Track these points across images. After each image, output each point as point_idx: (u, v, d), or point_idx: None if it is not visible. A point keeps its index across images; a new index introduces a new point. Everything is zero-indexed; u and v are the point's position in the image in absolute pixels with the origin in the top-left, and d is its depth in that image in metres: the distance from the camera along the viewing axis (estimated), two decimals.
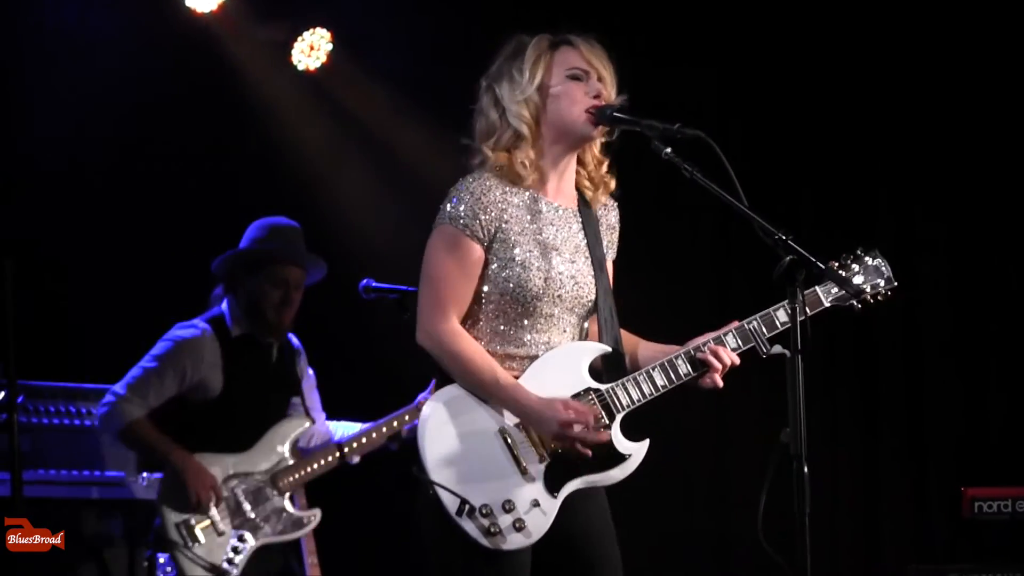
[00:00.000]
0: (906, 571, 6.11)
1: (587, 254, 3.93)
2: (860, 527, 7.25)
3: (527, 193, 3.87)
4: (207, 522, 5.36)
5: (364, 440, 5.62)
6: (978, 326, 7.19)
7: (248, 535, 5.40)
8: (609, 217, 4.05)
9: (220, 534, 5.38)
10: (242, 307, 5.59)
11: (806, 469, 3.35)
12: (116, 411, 5.41)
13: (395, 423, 5.60)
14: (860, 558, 7.22)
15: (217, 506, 5.36)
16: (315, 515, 5.58)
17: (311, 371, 5.84)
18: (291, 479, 5.53)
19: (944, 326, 7.24)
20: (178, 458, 5.37)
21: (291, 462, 5.56)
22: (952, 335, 7.23)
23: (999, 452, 7.03)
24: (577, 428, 3.72)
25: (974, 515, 6.02)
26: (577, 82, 3.87)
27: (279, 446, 5.55)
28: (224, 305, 5.63)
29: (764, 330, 3.88)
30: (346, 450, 5.60)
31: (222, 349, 5.52)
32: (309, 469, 5.57)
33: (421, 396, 5.42)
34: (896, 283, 4.04)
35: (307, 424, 5.64)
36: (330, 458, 5.60)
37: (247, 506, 5.43)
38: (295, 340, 5.82)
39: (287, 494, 5.52)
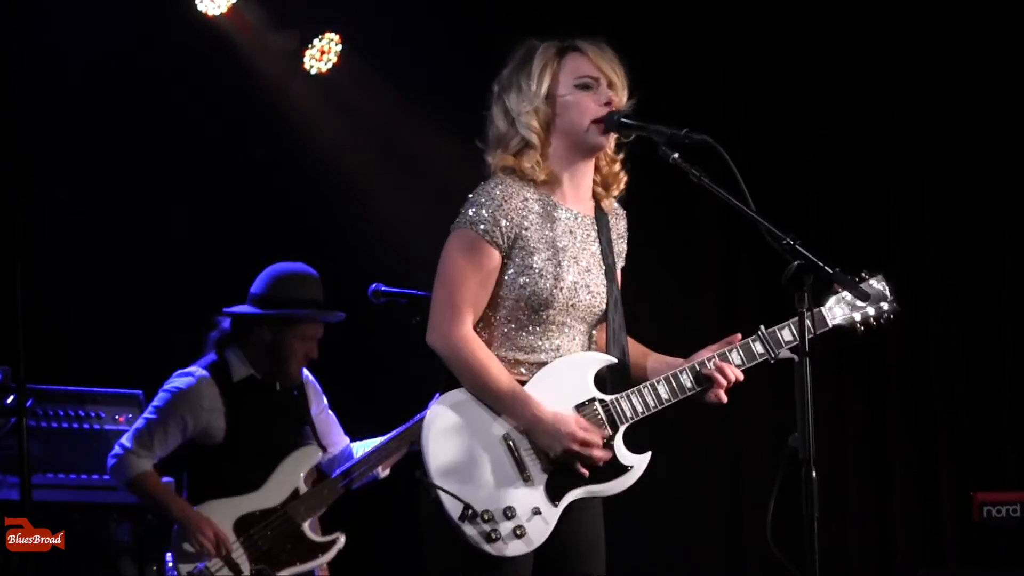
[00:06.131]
0: (916, 575, 6.10)
1: (602, 263, 3.93)
2: (869, 531, 7.23)
3: (547, 199, 3.87)
4: (223, 565, 5.34)
5: (372, 461, 5.57)
6: (988, 329, 7.16)
7: (269, 570, 5.37)
8: (619, 225, 4.06)
9: (239, 574, 5.36)
10: (260, 357, 5.55)
11: (814, 473, 3.35)
12: (123, 464, 5.44)
13: (402, 440, 5.52)
14: (869, 562, 7.20)
15: (227, 551, 5.35)
16: (338, 540, 5.53)
17: (324, 398, 5.78)
18: (307, 508, 5.50)
19: (954, 329, 7.21)
20: (179, 512, 5.37)
21: (305, 491, 5.53)
22: (962, 338, 7.21)
23: (1009, 456, 7.01)
24: (585, 447, 3.72)
25: (984, 519, 6.01)
26: (586, 91, 3.87)
27: (292, 478, 5.51)
28: (228, 354, 5.58)
29: (770, 348, 3.89)
30: (355, 475, 5.56)
31: (222, 394, 5.49)
32: (324, 496, 5.54)
33: (419, 416, 5.38)
34: (899, 307, 4.05)
35: (319, 453, 5.62)
36: (339, 487, 5.56)
37: (263, 543, 5.41)
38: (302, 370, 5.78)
39: (305, 523, 5.49)
